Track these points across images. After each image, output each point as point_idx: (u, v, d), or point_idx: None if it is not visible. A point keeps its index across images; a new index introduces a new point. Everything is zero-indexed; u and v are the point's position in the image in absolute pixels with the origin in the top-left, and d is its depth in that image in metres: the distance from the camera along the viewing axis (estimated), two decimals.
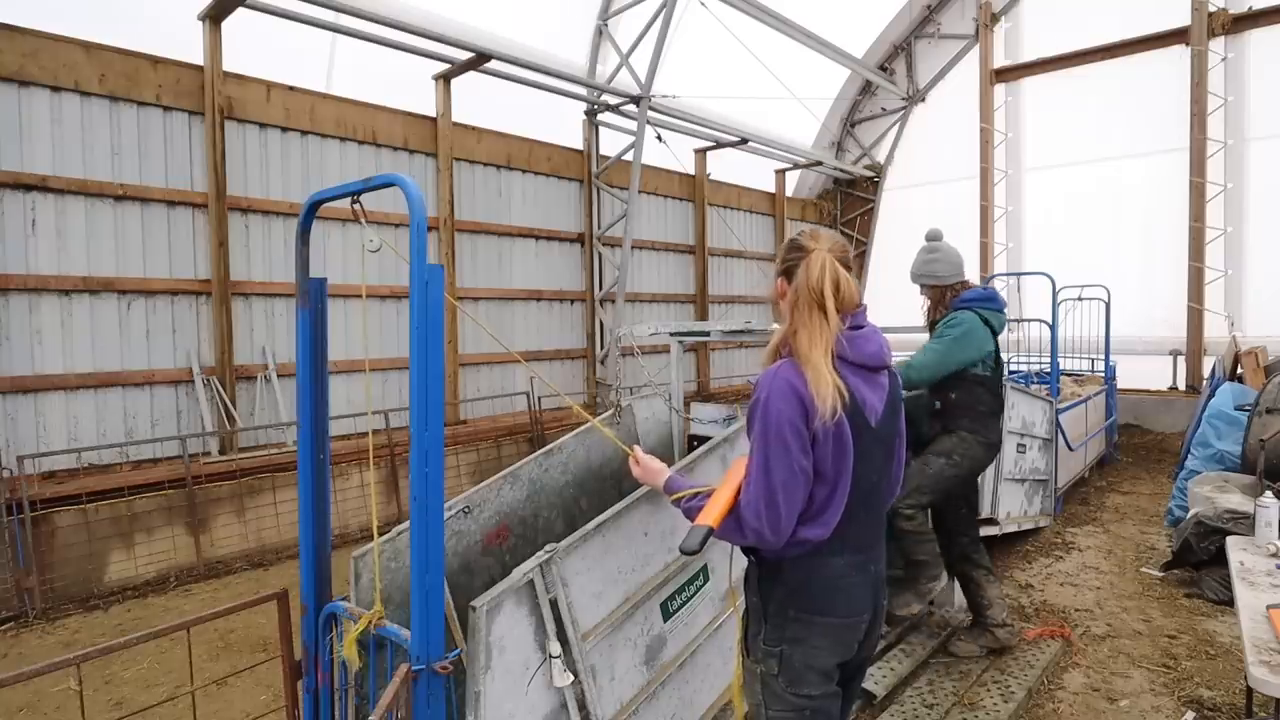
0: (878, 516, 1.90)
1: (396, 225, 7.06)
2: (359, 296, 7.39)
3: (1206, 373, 8.94)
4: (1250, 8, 9.98)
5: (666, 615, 2.40)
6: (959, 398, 3.51)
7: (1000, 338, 3.60)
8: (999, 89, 12.28)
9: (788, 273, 1.84)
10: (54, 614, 4.89)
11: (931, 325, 3.61)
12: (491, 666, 1.84)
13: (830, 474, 1.73)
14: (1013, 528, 5.41)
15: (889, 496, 1.95)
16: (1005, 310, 3.59)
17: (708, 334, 3.99)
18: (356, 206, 1.85)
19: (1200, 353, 10.21)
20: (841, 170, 13.77)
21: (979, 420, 3.52)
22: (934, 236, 3.65)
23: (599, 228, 9.96)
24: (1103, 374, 8.77)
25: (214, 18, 6.21)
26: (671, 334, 3.68)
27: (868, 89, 13.88)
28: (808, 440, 1.70)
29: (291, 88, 6.92)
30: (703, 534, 1.71)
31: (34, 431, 5.57)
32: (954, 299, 3.53)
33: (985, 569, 3.78)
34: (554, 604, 2.02)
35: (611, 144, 9.87)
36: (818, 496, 1.75)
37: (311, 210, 2.05)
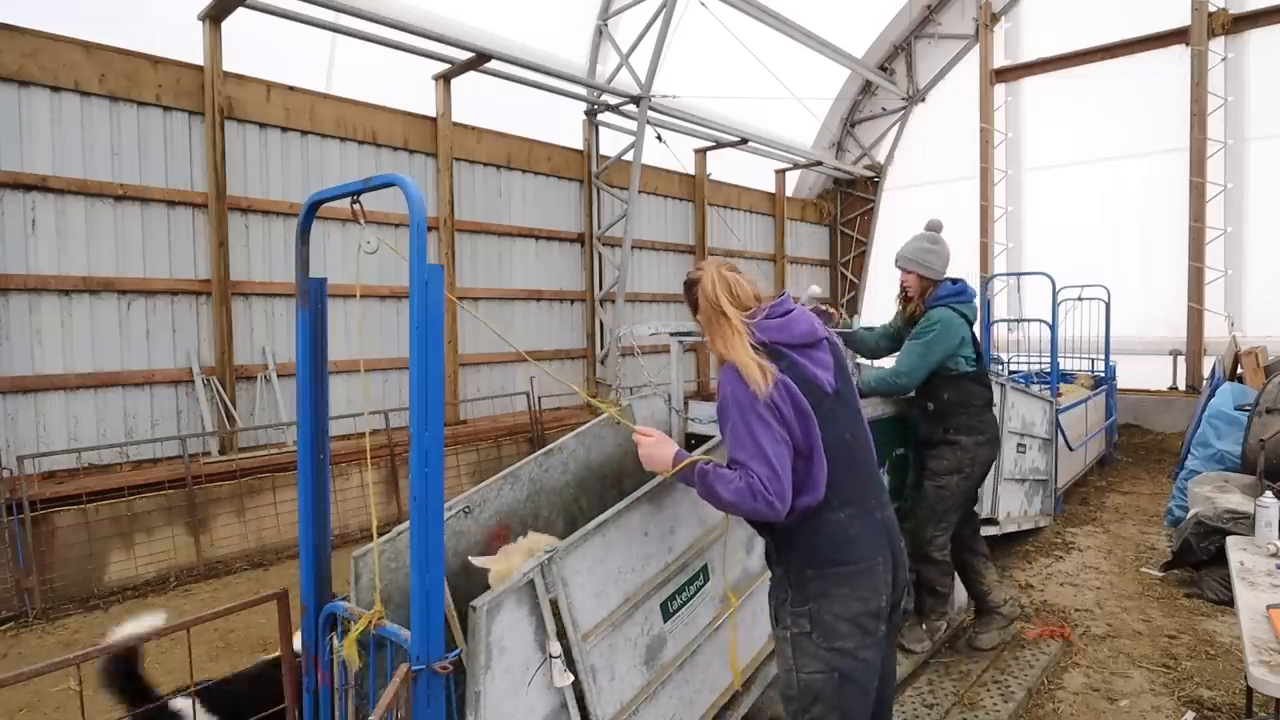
0: (864, 467, 2.04)
1: (396, 225, 7.06)
2: (361, 297, 7.39)
3: (1206, 373, 8.95)
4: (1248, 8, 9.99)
5: (667, 615, 2.40)
6: (951, 396, 3.57)
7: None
8: (999, 89, 12.28)
9: (694, 305, 2.11)
10: (54, 614, 4.89)
11: (910, 318, 3.64)
12: (491, 666, 1.84)
13: (804, 446, 1.91)
14: (1013, 528, 5.40)
15: (869, 440, 2.10)
16: (974, 300, 3.65)
17: None
18: (356, 207, 1.85)
19: (1200, 353, 10.22)
20: (841, 170, 13.77)
21: (974, 416, 3.57)
22: (935, 227, 3.66)
23: (599, 228, 9.96)
24: (1092, 376, 8.76)
25: (214, 18, 6.21)
26: (672, 334, 3.66)
27: (868, 89, 13.88)
28: (784, 417, 1.89)
29: (291, 88, 6.92)
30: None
31: (34, 431, 5.57)
32: (931, 296, 3.57)
33: (984, 555, 3.87)
34: (554, 604, 2.02)
35: (611, 144, 9.87)
36: (799, 469, 1.91)
37: (311, 210, 2.05)
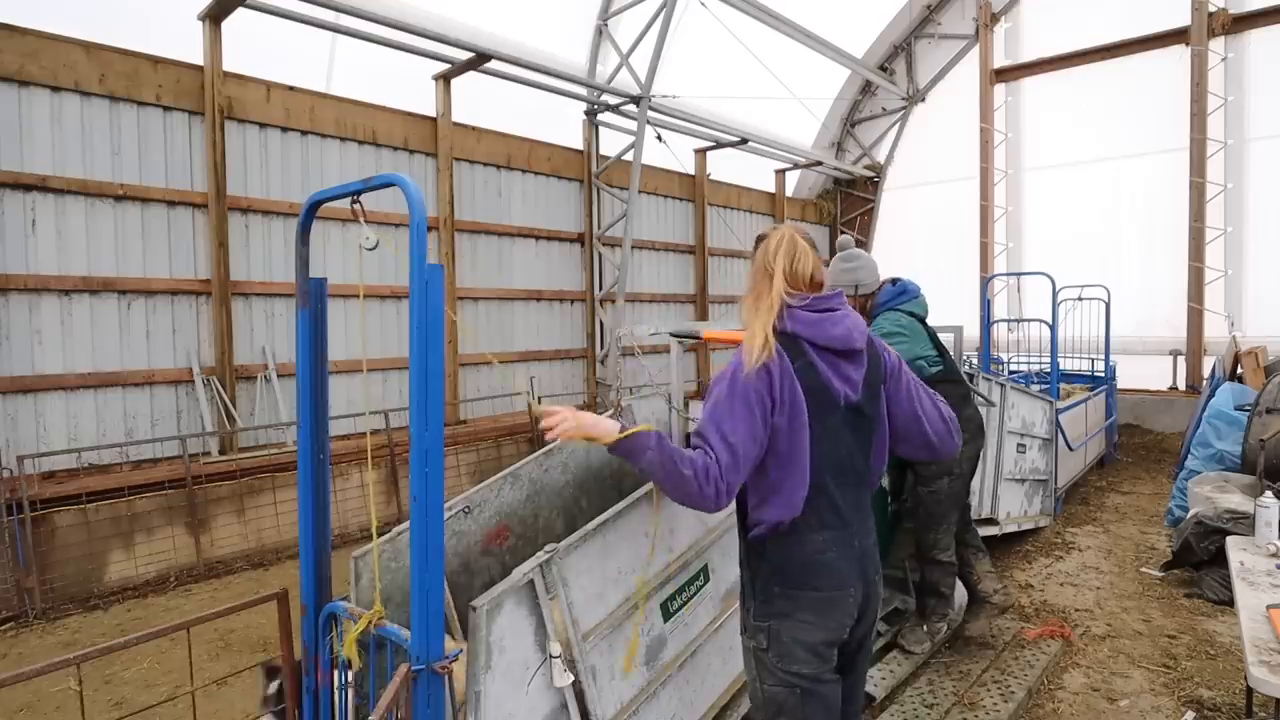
0: (855, 492, 1.90)
1: (396, 225, 7.05)
2: (359, 296, 7.39)
3: (1206, 373, 8.95)
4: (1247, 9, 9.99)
5: (667, 616, 2.40)
6: None
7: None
8: (999, 89, 12.28)
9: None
10: (54, 614, 4.89)
11: None
12: (492, 666, 1.84)
13: (785, 450, 1.78)
14: (1013, 528, 5.41)
15: (873, 472, 1.96)
16: (921, 294, 3.61)
17: None
18: (356, 206, 1.85)
19: (1200, 353, 10.21)
20: (841, 170, 13.77)
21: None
22: (845, 246, 3.64)
23: (599, 228, 9.96)
24: (1085, 387, 8.75)
25: (214, 18, 6.21)
26: (671, 334, 3.67)
27: (868, 89, 13.87)
28: (769, 412, 1.76)
29: (291, 88, 6.92)
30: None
31: (34, 431, 5.56)
32: (874, 306, 3.54)
33: (976, 547, 3.89)
34: (554, 604, 2.02)
35: (611, 144, 9.87)
36: (773, 474, 1.80)
37: (312, 210, 2.05)
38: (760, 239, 1.98)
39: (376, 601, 1.91)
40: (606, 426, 1.81)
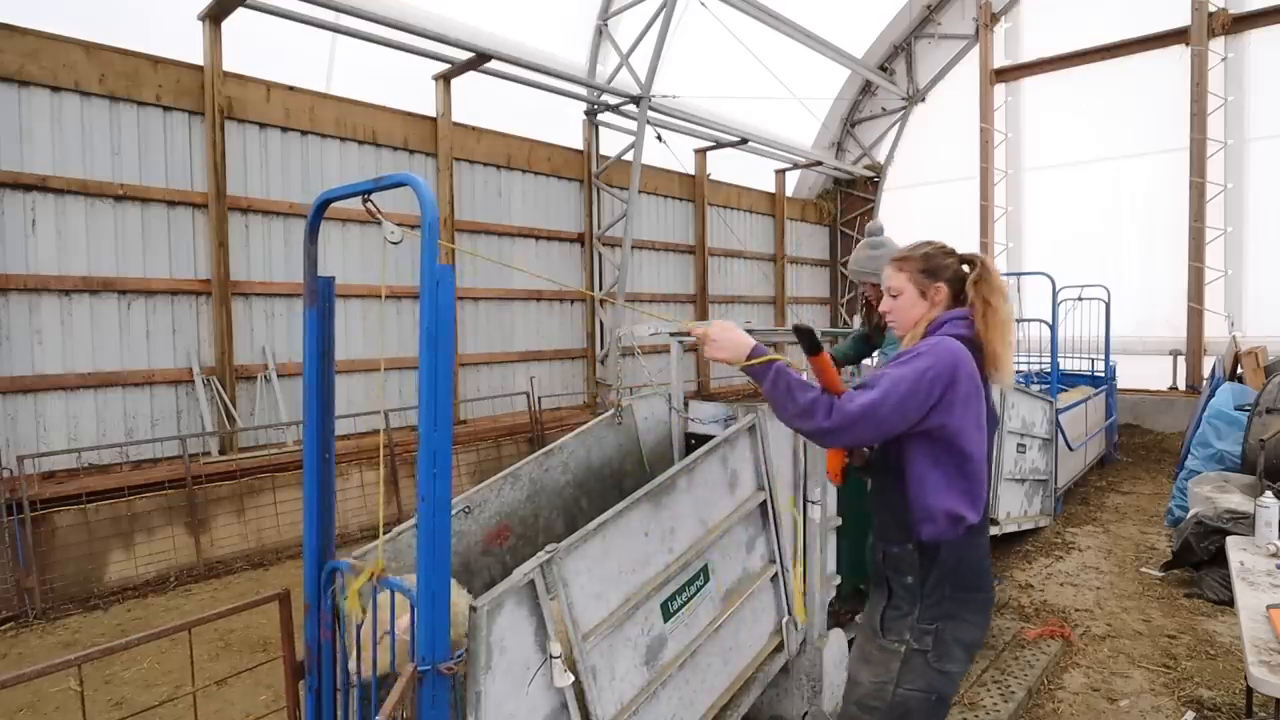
0: None
1: (397, 225, 7.05)
2: (360, 296, 7.40)
3: (1206, 373, 8.95)
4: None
5: (667, 616, 2.40)
6: None
7: None
8: (999, 89, 12.29)
9: (954, 278, 2.05)
10: (54, 614, 4.89)
11: (879, 328, 3.48)
12: (492, 666, 1.84)
13: (976, 453, 1.89)
14: (1013, 528, 5.41)
15: None
16: None
17: None
18: (369, 205, 1.86)
19: (1200, 353, 10.23)
20: (841, 170, 13.77)
21: None
22: (876, 231, 3.52)
23: (599, 228, 9.96)
24: (1088, 382, 8.76)
25: (214, 18, 6.21)
26: (672, 335, 3.67)
27: (868, 89, 13.88)
28: (929, 408, 1.80)
29: (291, 88, 6.92)
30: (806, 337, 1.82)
31: (34, 431, 5.56)
32: None
33: None
34: (554, 604, 2.02)
35: (611, 144, 9.87)
36: (969, 472, 1.88)
37: (321, 209, 2.05)
38: (949, 252, 2.08)
39: (379, 557, 1.91)
40: (734, 352, 1.87)
